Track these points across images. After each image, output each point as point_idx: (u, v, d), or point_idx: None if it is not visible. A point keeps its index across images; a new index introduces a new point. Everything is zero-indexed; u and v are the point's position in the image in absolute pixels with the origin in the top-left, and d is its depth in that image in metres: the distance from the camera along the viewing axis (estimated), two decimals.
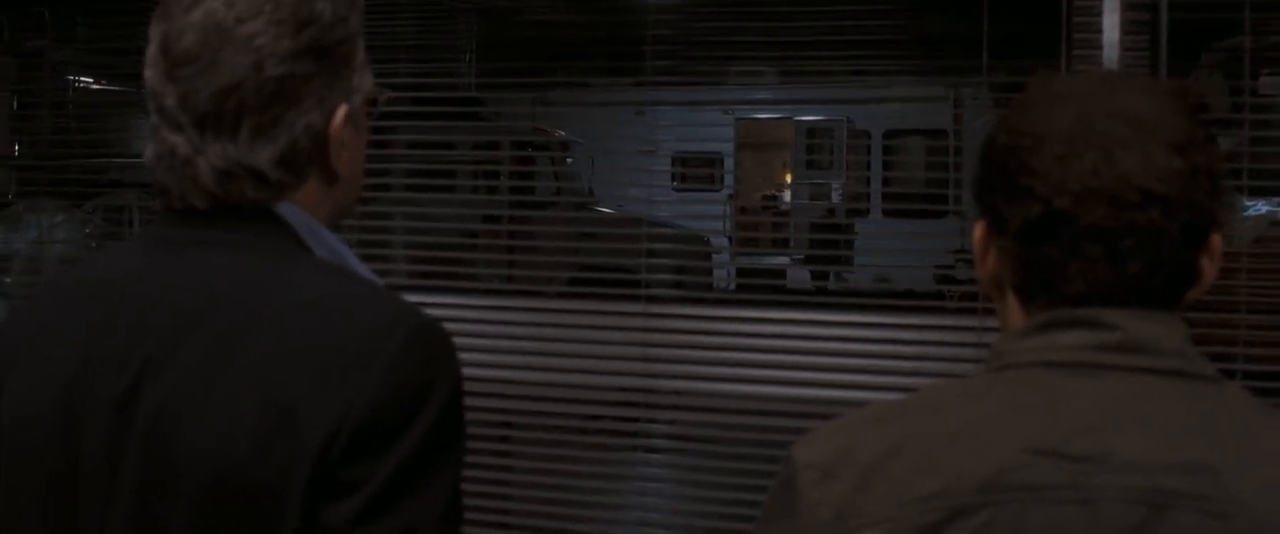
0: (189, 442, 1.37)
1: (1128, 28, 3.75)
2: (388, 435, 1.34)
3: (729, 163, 10.51)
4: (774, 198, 11.82)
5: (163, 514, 1.38)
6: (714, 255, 8.14)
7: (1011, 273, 1.36)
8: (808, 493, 1.31)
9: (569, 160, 10.07)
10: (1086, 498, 1.23)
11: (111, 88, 7.01)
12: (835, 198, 10.95)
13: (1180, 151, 1.29)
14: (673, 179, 10.03)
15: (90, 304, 1.49)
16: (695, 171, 11.23)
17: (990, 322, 3.70)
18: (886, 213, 10.34)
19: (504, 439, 4.96)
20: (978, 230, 1.40)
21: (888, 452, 1.29)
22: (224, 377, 1.37)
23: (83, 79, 6.79)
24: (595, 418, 4.99)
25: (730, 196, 9.57)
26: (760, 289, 6.79)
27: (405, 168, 5.90)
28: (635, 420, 4.66)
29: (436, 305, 4.58)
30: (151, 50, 1.49)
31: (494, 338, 4.69)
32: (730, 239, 8.23)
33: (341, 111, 1.50)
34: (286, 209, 1.48)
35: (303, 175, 1.49)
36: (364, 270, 1.53)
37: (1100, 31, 3.74)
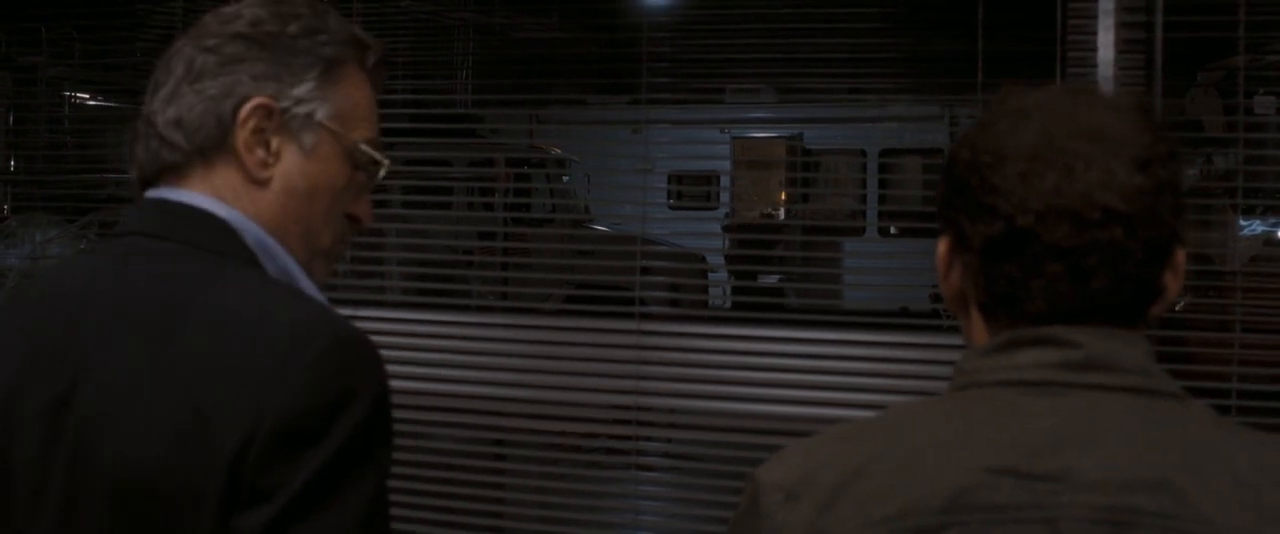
0: (110, 447, 1.38)
1: (1122, 46, 3.74)
2: (302, 443, 1.33)
3: (726, 181, 10.48)
4: (772, 217, 11.80)
5: (85, 519, 1.40)
6: (709, 274, 8.13)
7: (975, 289, 1.36)
8: (773, 515, 1.31)
9: (566, 178, 10.06)
10: (1049, 517, 1.22)
11: (107, 103, 7.01)
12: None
13: (1143, 168, 1.29)
14: (670, 197, 10.02)
15: (34, 314, 1.52)
16: (692, 189, 11.21)
17: None
18: (882, 231, 10.33)
19: (498, 457, 4.95)
20: (941, 246, 1.39)
21: (852, 472, 1.29)
22: (147, 382, 1.38)
23: (78, 95, 6.79)
24: (592, 436, 4.98)
25: (727, 215, 9.56)
26: (754, 307, 6.77)
27: (401, 184, 5.90)
28: (627, 438, 4.65)
29: (430, 322, 4.57)
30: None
31: (487, 354, 4.67)
32: (727, 258, 8.23)
33: (255, 101, 1.52)
34: (239, 220, 1.51)
35: (203, 152, 1.53)
36: (313, 290, 1.54)
37: (1095, 50, 3.74)
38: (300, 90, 1.54)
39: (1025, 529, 1.22)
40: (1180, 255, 1.33)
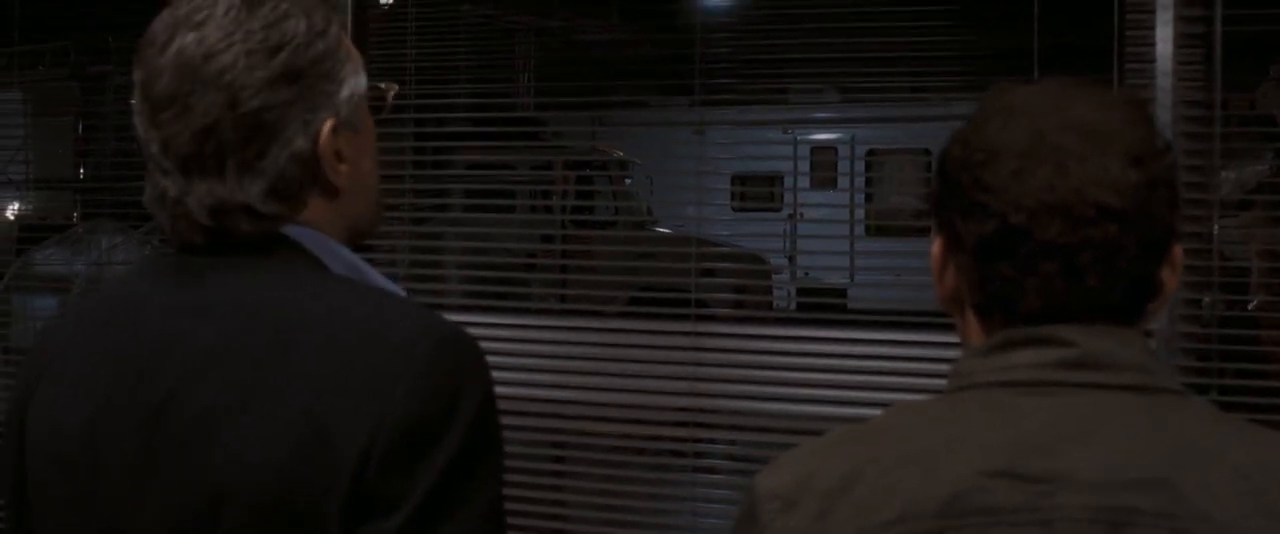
0: (225, 461, 1.36)
1: (1181, 41, 3.68)
2: (423, 447, 1.33)
3: (790, 181, 10.43)
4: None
5: (204, 529, 1.37)
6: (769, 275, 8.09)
7: (969, 290, 1.34)
8: (770, 524, 1.29)
9: (628, 180, 10.06)
10: (1045, 519, 1.20)
11: None
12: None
13: (1137, 163, 1.27)
14: (733, 198, 9.99)
15: (117, 325, 1.49)
16: (755, 190, 11.17)
17: None
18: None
19: (558, 459, 4.95)
20: (935, 247, 1.38)
21: (848, 478, 1.27)
22: (256, 396, 1.36)
23: None
24: (654, 438, 4.97)
25: (790, 216, 9.52)
26: (815, 309, 6.74)
27: (463, 188, 5.92)
28: (684, 440, 4.64)
29: (489, 325, 4.59)
30: (136, 95, 1.48)
31: (546, 357, 4.68)
32: (790, 259, 8.19)
33: (327, 126, 1.46)
34: (295, 230, 1.48)
35: (299, 201, 1.47)
36: (385, 283, 1.52)
37: (1153, 45, 3.68)
38: (344, 93, 1.50)
39: (1021, 531, 1.20)
40: (1177, 251, 1.31)
